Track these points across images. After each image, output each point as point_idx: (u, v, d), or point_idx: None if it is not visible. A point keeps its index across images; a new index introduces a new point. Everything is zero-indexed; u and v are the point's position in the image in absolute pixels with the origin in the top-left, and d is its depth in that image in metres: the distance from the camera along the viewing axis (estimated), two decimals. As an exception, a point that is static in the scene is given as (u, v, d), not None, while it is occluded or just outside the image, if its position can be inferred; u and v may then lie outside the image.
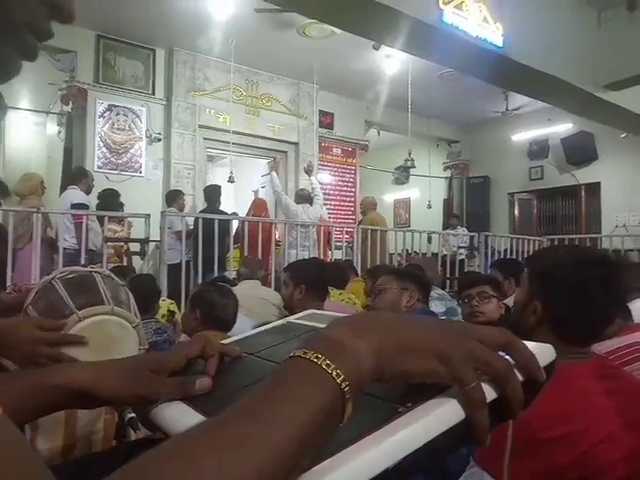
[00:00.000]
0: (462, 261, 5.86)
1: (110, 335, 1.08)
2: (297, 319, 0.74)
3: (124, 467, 0.28)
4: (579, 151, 7.47)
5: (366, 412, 0.35)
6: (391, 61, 5.97)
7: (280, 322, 0.76)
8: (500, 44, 4.41)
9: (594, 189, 7.66)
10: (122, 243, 4.22)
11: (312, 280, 2.18)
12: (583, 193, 7.87)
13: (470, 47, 4.24)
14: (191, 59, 5.91)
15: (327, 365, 0.34)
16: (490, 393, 0.36)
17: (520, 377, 0.37)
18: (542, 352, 0.40)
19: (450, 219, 7.48)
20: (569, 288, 0.93)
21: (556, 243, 6.01)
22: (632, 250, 5.73)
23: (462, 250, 5.97)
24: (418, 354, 0.36)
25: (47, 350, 0.88)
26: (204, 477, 0.28)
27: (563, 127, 7.52)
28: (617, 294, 0.98)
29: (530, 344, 0.40)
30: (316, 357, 0.34)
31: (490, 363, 0.36)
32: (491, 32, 4.38)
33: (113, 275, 1.30)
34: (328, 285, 2.43)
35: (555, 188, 8.07)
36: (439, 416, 0.35)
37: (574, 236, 6.40)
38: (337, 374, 0.33)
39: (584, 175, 7.63)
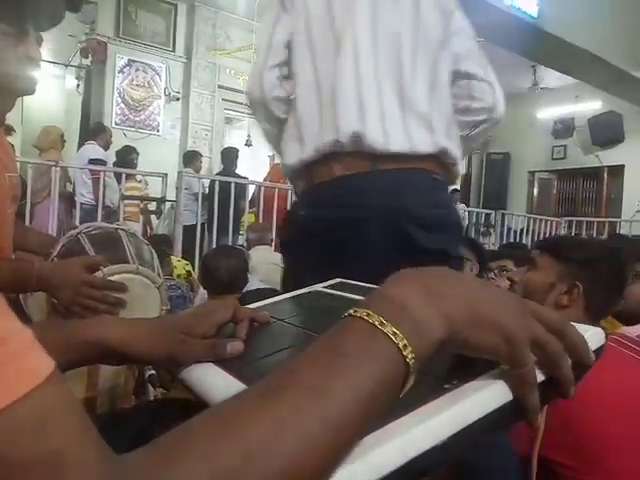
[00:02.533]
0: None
1: (133, 294, 1.07)
2: (325, 287, 0.72)
3: (167, 436, 0.27)
4: (605, 131, 7.25)
5: (412, 388, 0.34)
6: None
7: (307, 290, 0.74)
8: (535, 14, 4.23)
9: (617, 172, 7.47)
10: (139, 202, 4.23)
11: None
12: (605, 175, 7.68)
13: (503, 16, 4.07)
14: (213, 16, 5.77)
15: (394, 334, 0.30)
16: (539, 375, 0.35)
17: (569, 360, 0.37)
18: (593, 336, 0.39)
19: (454, 194, 7.30)
20: (609, 275, 1.04)
21: (574, 225, 5.92)
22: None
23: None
24: (486, 328, 0.34)
25: (92, 291, 0.90)
26: (253, 452, 0.26)
27: (591, 106, 7.28)
28: None
29: (581, 327, 0.39)
30: (381, 323, 0.31)
31: (546, 347, 0.35)
32: (526, 1, 4.19)
33: (138, 234, 1.30)
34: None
35: (577, 169, 7.88)
36: (488, 395, 0.34)
37: (592, 219, 6.26)
38: (404, 345, 0.30)
39: (608, 157, 7.43)
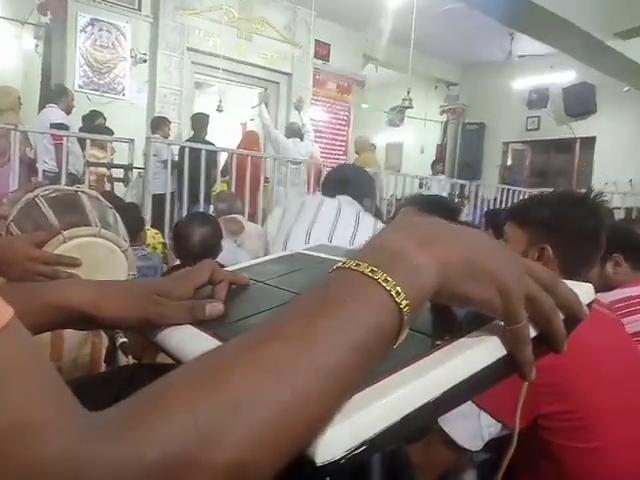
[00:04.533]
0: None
1: (97, 258, 1.03)
2: (305, 249, 0.69)
3: (147, 389, 0.25)
4: (579, 102, 7.33)
5: (402, 345, 0.33)
6: (396, -9, 5.61)
7: (287, 252, 0.71)
8: (514, -21, 4.15)
9: (589, 143, 7.59)
10: (105, 169, 4.05)
11: None
12: (578, 147, 7.80)
13: (482, -20, 3.98)
14: (181, -27, 5.47)
15: (385, 280, 0.28)
16: (532, 331, 0.35)
17: (561, 315, 0.36)
18: (583, 291, 0.39)
19: (437, 165, 7.30)
20: (577, 230, 1.01)
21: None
22: (619, 208, 5.76)
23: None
24: (483, 279, 0.32)
25: (41, 268, 0.86)
26: (240, 401, 0.24)
27: (565, 76, 7.32)
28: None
29: (571, 283, 0.39)
30: (371, 270, 0.29)
31: (540, 303, 0.34)
32: (505, -35, 4.11)
33: (101, 197, 1.24)
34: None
35: (550, 140, 7.98)
36: (481, 350, 0.33)
37: (565, 190, 6.39)
38: (397, 292, 0.28)
39: (581, 128, 7.53)
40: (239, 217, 3.17)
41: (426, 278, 0.30)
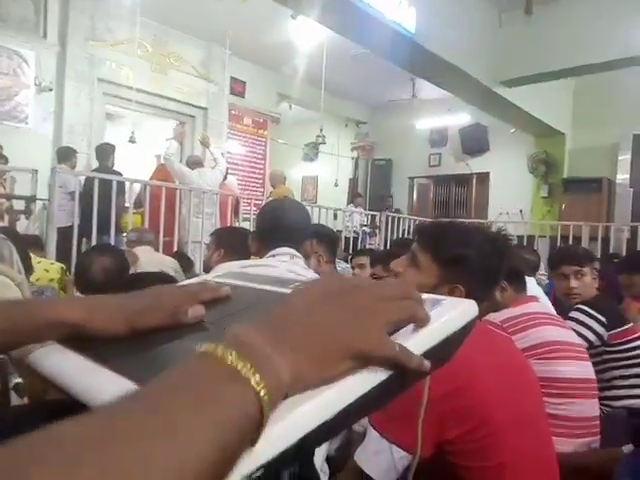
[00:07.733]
0: (356, 239, 6.13)
1: None
2: (216, 277, 0.68)
3: None
4: (473, 142, 8.09)
5: None
6: (307, 35, 5.92)
7: (197, 279, 0.70)
8: (412, 30, 4.55)
9: (484, 178, 8.35)
10: (3, 200, 3.81)
11: (231, 245, 2.20)
12: (474, 181, 8.54)
13: (383, 29, 4.34)
14: (90, 7, 5.38)
15: (252, 372, 0.28)
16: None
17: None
18: (466, 307, 0.41)
19: (356, 198, 7.71)
20: (488, 271, 1.05)
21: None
22: (512, 236, 6.35)
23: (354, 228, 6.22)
24: (332, 361, 0.33)
25: None
26: None
27: (461, 118, 8.05)
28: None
29: (455, 300, 0.42)
30: (239, 361, 0.28)
31: (404, 314, 0.37)
32: (404, 17, 4.50)
33: None
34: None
35: (450, 175, 8.69)
36: (364, 376, 0.34)
37: (464, 220, 6.93)
38: (262, 387, 0.28)
39: (476, 165, 8.29)
40: (143, 249, 3.10)
41: (282, 374, 0.30)
